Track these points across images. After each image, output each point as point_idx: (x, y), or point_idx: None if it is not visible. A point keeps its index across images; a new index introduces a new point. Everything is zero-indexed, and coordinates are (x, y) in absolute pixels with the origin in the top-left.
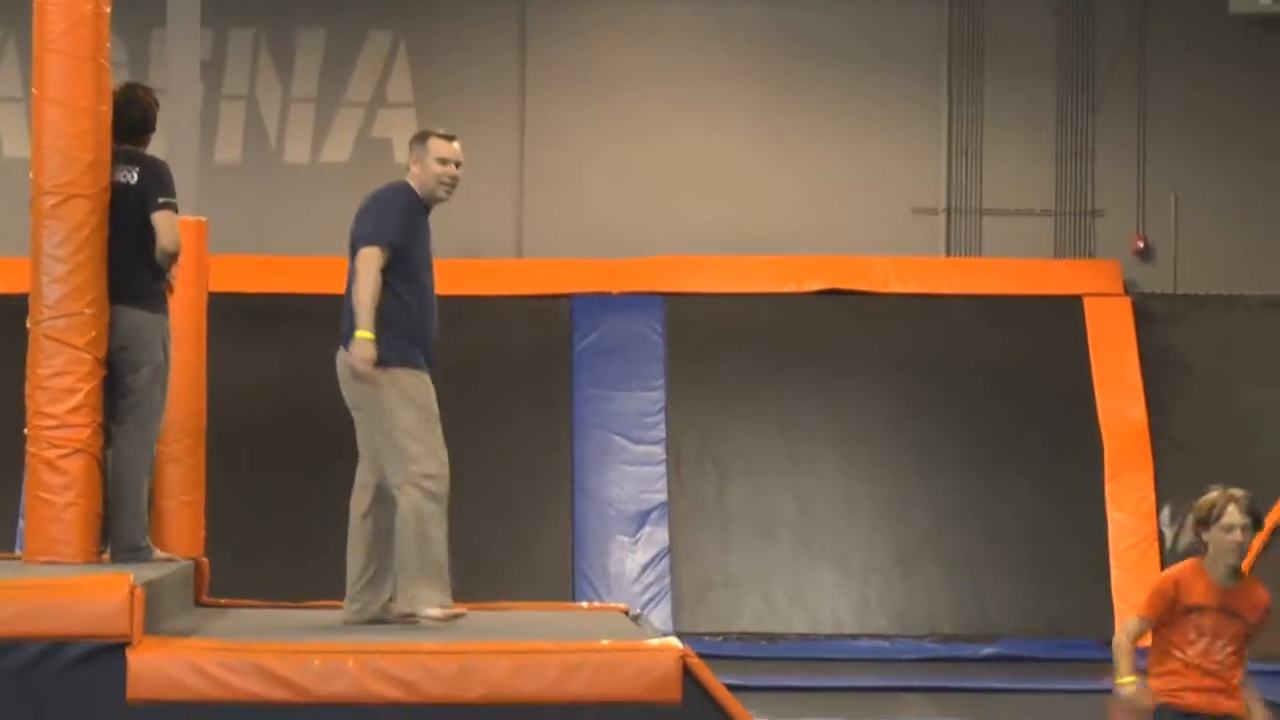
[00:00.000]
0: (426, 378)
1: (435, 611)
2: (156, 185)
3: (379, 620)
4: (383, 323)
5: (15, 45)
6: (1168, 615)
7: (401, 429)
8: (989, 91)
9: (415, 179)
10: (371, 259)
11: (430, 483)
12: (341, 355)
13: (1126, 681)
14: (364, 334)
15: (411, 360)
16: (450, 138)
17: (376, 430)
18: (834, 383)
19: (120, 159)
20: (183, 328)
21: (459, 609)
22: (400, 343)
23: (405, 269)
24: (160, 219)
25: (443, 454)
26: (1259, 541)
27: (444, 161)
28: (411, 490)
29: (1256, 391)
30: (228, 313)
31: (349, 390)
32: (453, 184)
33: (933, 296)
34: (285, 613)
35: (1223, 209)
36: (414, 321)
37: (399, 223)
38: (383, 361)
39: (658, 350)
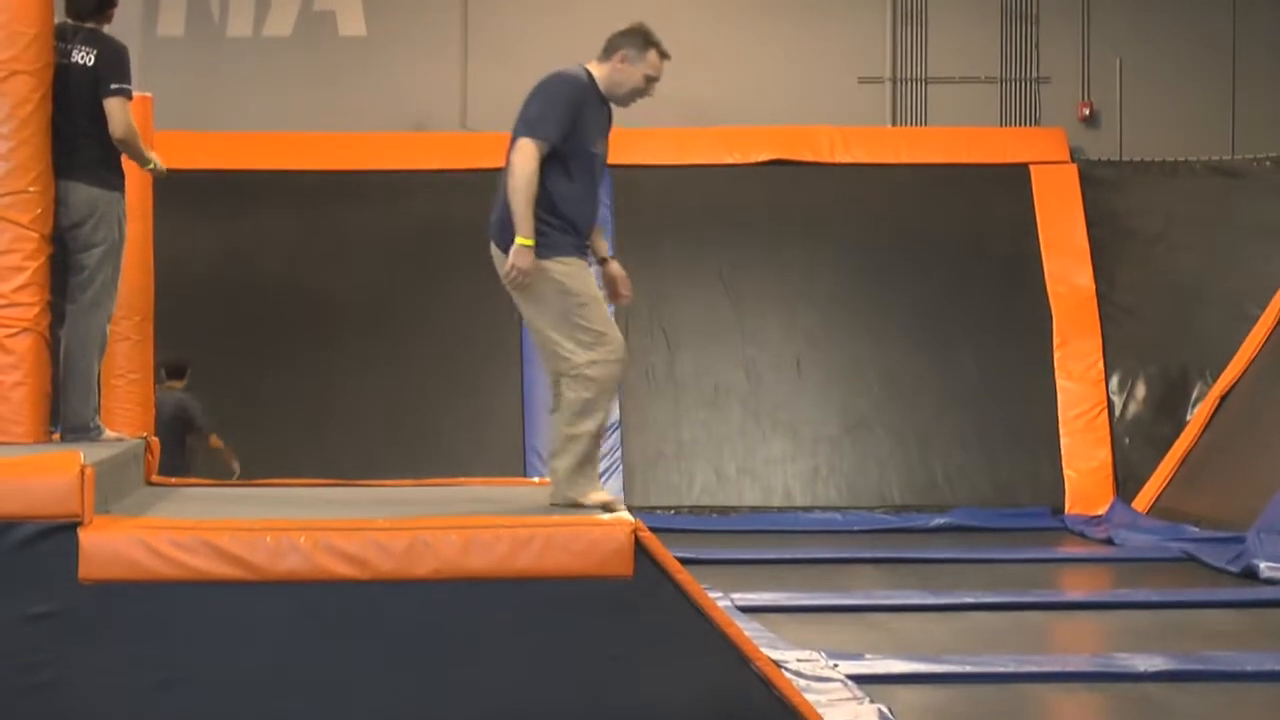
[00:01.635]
0: (579, 262)
1: (594, 499)
2: (111, 70)
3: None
4: (534, 217)
5: None
6: None
7: (555, 322)
8: None
9: (610, 72)
10: (527, 152)
11: (592, 369)
12: (496, 253)
13: None
14: (523, 241)
15: (560, 250)
16: (667, 56)
17: (534, 325)
18: (782, 253)
19: (80, 38)
20: (129, 205)
21: (607, 497)
22: (550, 236)
23: (564, 164)
24: (112, 105)
25: (608, 337)
26: (1208, 407)
27: (651, 79)
28: (570, 382)
29: (1201, 257)
30: (172, 189)
31: (507, 284)
32: (640, 98)
33: (879, 166)
34: (235, 490)
35: (1167, 74)
36: (567, 215)
37: (561, 118)
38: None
39: (605, 223)
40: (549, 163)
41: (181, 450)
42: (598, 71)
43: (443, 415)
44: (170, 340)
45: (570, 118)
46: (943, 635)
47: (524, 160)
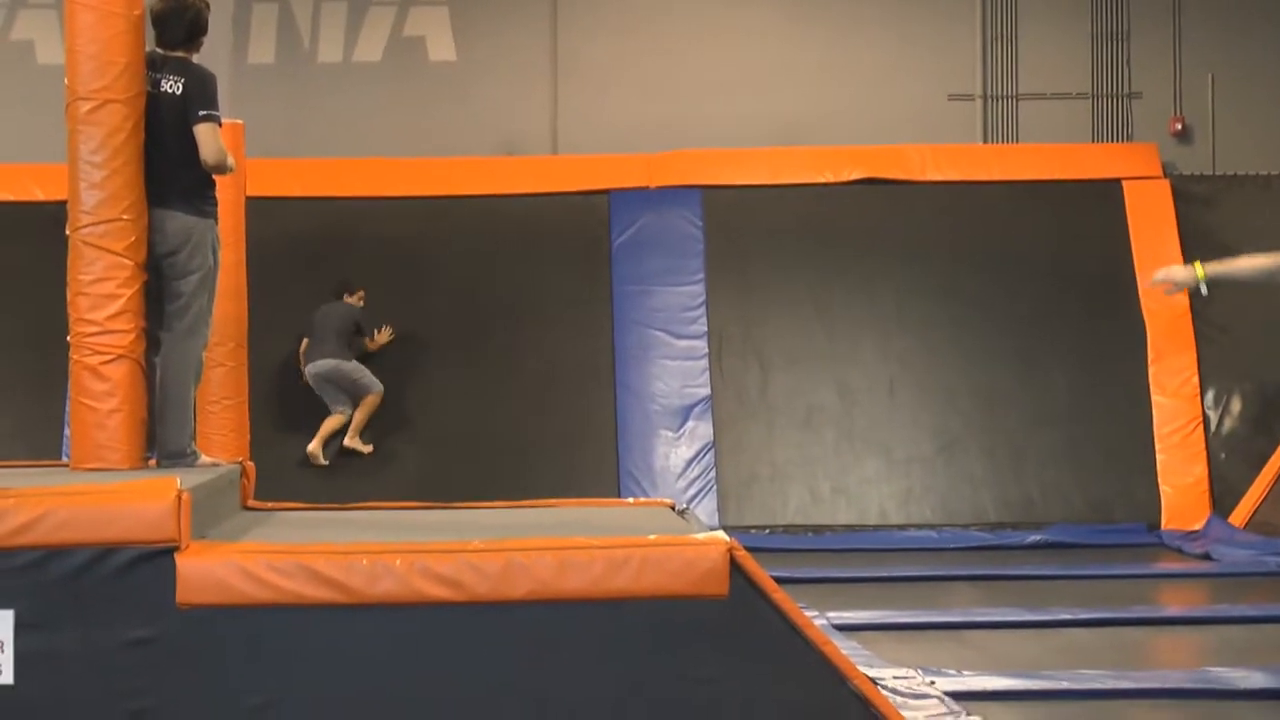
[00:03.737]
0: None
1: None
2: (199, 97)
3: None
4: None
5: None
6: None
7: None
8: None
9: None
10: None
11: None
12: None
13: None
14: None
15: None
16: None
17: None
18: (874, 272)
19: (169, 67)
20: (222, 232)
21: None
22: None
23: None
24: (202, 131)
25: None
26: None
27: None
28: None
29: None
30: (264, 216)
31: None
32: None
33: (970, 183)
34: (331, 514)
35: (1260, 88)
36: None
37: None
38: None
39: (697, 244)
40: None
41: (348, 352)
42: None
43: (537, 437)
44: (264, 367)
45: None
46: (1039, 652)
47: None
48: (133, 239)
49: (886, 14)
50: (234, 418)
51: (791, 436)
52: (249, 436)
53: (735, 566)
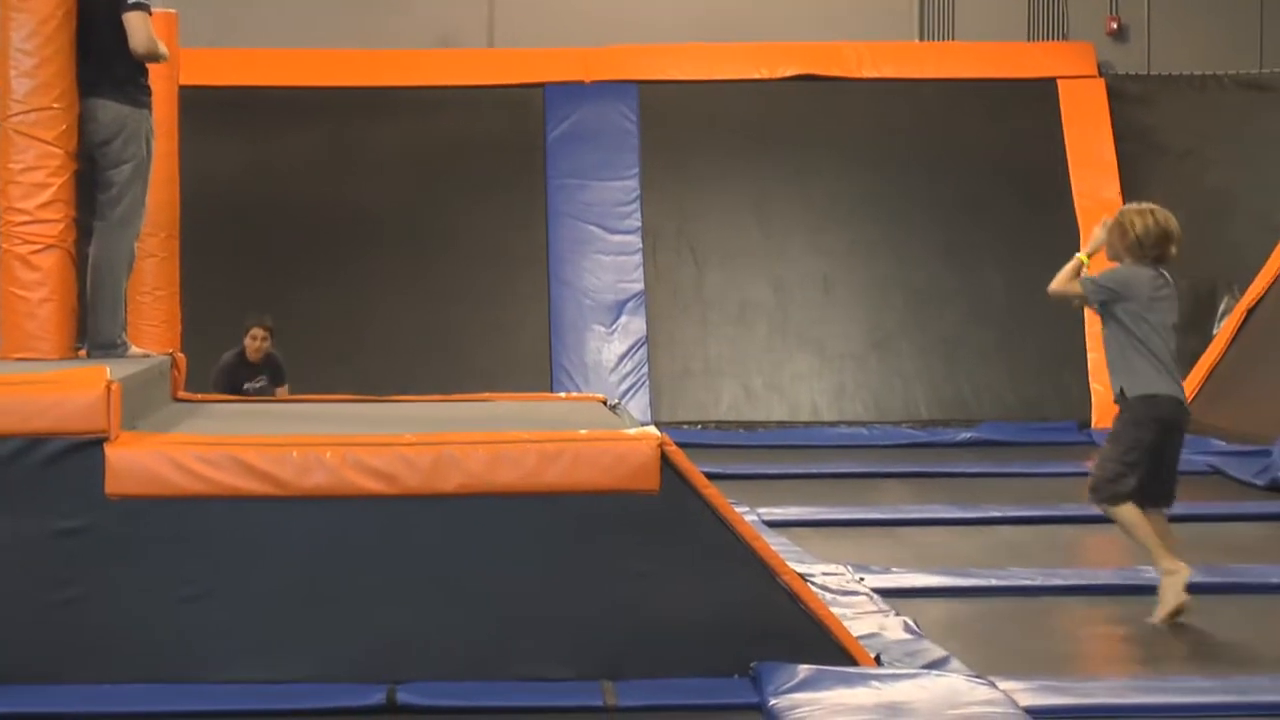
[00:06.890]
0: None
1: None
2: None
3: None
4: None
5: None
6: None
7: None
8: None
9: None
10: None
11: None
12: None
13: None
14: None
15: None
16: None
17: None
18: (808, 169)
19: None
20: (156, 122)
21: None
22: None
23: None
24: (131, 19)
25: None
26: (1235, 321)
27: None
28: None
29: (1230, 172)
30: (198, 106)
31: None
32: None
33: (906, 81)
34: (261, 407)
35: None
36: None
37: None
38: None
39: (632, 139)
40: None
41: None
42: None
43: (471, 331)
44: (196, 258)
45: None
46: (969, 549)
47: None
48: (64, 127)
49: None
50: (165, 309)
51: (725, 332)
52: (180, 328)
53: (666, 462)
